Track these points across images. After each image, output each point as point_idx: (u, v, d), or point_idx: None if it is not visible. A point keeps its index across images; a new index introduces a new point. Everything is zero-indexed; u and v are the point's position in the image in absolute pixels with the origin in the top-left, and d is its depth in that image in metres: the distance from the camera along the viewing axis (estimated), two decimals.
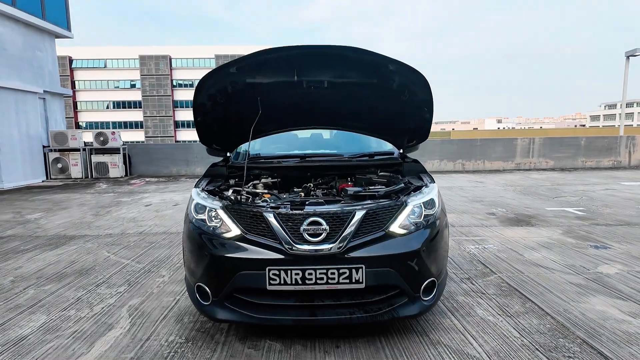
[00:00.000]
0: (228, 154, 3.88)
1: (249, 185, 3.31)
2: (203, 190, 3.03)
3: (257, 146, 4.16)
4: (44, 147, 13.44)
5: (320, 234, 2.47)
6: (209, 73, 2.92)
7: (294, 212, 2.53)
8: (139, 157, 14.40)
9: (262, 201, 2.91)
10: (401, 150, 3.86)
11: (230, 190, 3.09)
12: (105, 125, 70.07)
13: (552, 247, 5.03)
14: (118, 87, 72.75)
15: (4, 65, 11.82)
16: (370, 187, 3.07)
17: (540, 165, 14.71)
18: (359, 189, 3.02)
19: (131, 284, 3.95)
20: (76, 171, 13.55)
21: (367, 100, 3.39)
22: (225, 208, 2.68)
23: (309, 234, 2.47)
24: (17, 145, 12.20)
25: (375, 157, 3.68)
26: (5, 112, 11.83)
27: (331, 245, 2.45)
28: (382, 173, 3.42)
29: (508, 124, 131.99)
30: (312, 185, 3.40)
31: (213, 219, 2.70)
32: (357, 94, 3.32)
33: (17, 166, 12.13)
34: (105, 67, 72.30)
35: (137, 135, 70.30)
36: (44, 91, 13.41)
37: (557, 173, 13.44)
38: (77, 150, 13.52)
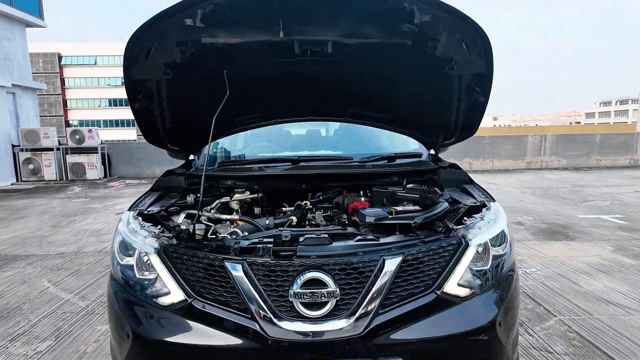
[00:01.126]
0: (191, 157, 2.79)
1: (213, 204, 2.22)
2: (139, 215, 1.95)
3: (230, 146, 3.08)
4: (13, 146, 12.26)
5: (324, 303, 1.41)
6: (141, 28, 1.82)
7: (279, 260, 1.46)
8: (120, 157, 13.26)
9: (229, 234, 1.84)
10: (431, 151, 2.79)
11: (182, 216, 2.01)
12: (96, 123, 68.37)
13: (611, 271, 3.99)
14: (109, 84, 71.08)
15: None
16: (398, 209, 2.00)
17: (552, 164, 13.73)
18: (381, 211, 1.95)
19: (59, 338, 2.87)
20: (50, 173, 12.39)
21: (392, 76, 2.30)
22: (161, 252, 1.60)
23: (304, 302, 1.41)
24: None
25: (398, 161, 2.61)
26: None
27: (345, 324, 1.39)
28: (410, 185, 2.35)
29: (504, 121, 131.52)
30: (309, 203, 2.32)
31: (144, 269, 1.63)
32: (377, 65, 2.23)
33: None
34: (95, 64, 70.67)
35: (129, 134, 68.72)
36: (13, 85, 12.20)
37: (572, 173, 12.47)
38: (51, 149, 12.34)
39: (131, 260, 1.71)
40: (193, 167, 2.70)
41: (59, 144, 12.67)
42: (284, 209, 2.37)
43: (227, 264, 1.49)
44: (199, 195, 2.16)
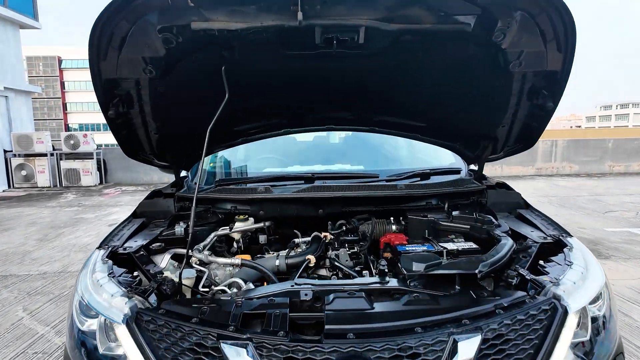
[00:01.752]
0: (183, 173, 2.32)
1: (208, 239, 1.75)
2: (111, 256, 1.48)
3: (230, 157, 2.61)
4: (5, 151, 11.81)
5: None
6: (109, 9, 1.34)
7: (299, 344, 0.99)
8: (116, 162, 12.78)
9: (228, 285, 1.37)
10: (471, 166, 2.32)
11: (167, 257, 1.54)
12: (96, 127, 67.93)
13: None
14: None
15: None
16: (448, 246, 1.53)
17: (563, 170, 13.26)
18: (429, 252, 1.48)
19: None
20: (43, 179, 11.92)
21: (437, 74, 1.83)
22: (132, 322, 1.13)
23: None
24: None
25: (433, 179, 2.15)
26: None
27: None
28: (457, 213, 1.87)
29: None
30: (329, 235, 1.85)
31: (110, 340, 1.16)
32: (420, 60, 1.75)
33: None
34: None
35: None
36: (5, 88, 11.77)
37: (586, 179, 12.00)
38: (45, 155, 11.88)
39: (93, 325, 1.24)
40: (185, 185, 2.23)
41: (53, 149, 12.22)
42: (297, 240, 1.91)
43: (225, 347, 1.01)
44: (190, 224, 1.69)
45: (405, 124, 2.15)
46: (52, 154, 12.04)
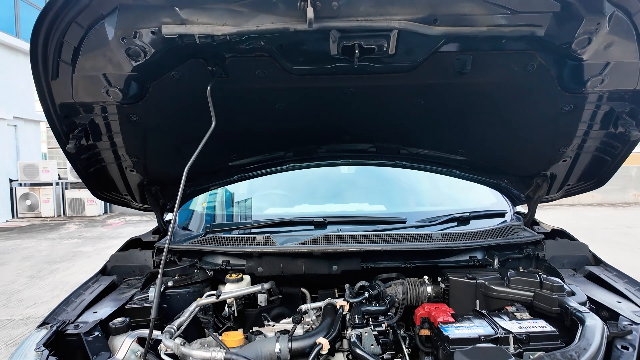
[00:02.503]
0: (168, 215, 1.93)
1: (188, 312, 1.34)
2: (51, 341, 1.07)
3: (225, 197, 2.21)
4: (11, 180, 11.65)
5: None
6: (51, 9, 0.99)
7: None
8: None
9: None
10: (518, 208, 1.91)
11: (129, 342, 1.14)
12: None
13: None
14: None
15: None
16: (513, 330, 1.09)
17: (585, 199, 12.66)
18: (497, 350, 1.03)
19: None
20: (48, 209, 11.68)
21: (488, 93, 1.42)
22: None
23: None
24: None
25: (473, 223, 1.73)
26: None
27: None
28: (514, 274, 1.42)
29: None
30: (346, 305, 1.42)
31: None
32: (467, 77, 1.33)
33: None
34: None
35: None
36: (14, 117, 11.75)
37: (610, 209, 11.42)
38: (50, 184, 11.69)
39: None
40: (166, 229, 1.84)
41: (59, 178, 12.05)
42: (304, 307, 1.48)
43: None
44: (176, 280, 1.28)
45: (441, 158, 1.74)
46: (57, 183, 11.86)
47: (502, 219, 1.85)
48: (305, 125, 1.62)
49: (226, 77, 1.26)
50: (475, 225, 1.75)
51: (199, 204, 2.11)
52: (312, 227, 1.73)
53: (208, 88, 1.25)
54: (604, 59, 1.17)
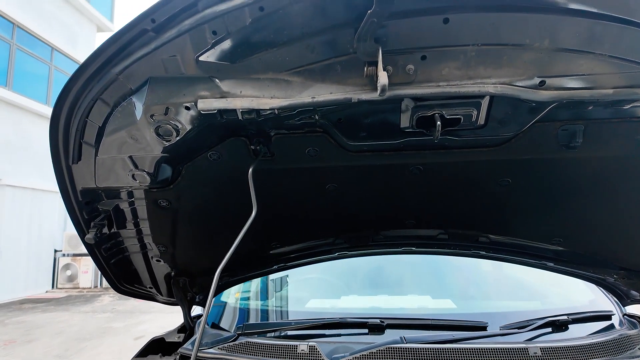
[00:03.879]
0: (196, 311, 1.68)
1: None
2: None
3: (253, 288, 1.95)
4: (55, 251, 11.98)
5: None
6: (71, 86, 0.85)
7: None
8: None
9: None
10: (625, 308, 1.52)
11: None
12: None
13: None
14: None
15: (25, 163, 10.98)
16: None
17: None
18: None
19: None
20: (86, 280, 11.78)
21: (598, 169, 1.16)
22: None
23: None
24: (23, 251, 10.76)
25: (573, 329, 1.35)
26: (17, 213, 10.63)
27: None
28: None
29: None
30: None
31: None
32: (587, 151, 1.06)
33: (19, 275, 10.55)
34: None
35: None
36: None
37: None
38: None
39: None
40: (194, 329, 1.57)
41: None
42: None
43: None
44: None
45: (530, 247, 1.43)
46: None
47: (608, 323, 1.46)
48: (360, 208, 1.38)
49: (271, 156, 1.07)
50: (576, 331, 1.37)
51: (232, 294, 1.86)
52: (366, 330, 1.42)
53: (250, 170, 1.06)
54: None
